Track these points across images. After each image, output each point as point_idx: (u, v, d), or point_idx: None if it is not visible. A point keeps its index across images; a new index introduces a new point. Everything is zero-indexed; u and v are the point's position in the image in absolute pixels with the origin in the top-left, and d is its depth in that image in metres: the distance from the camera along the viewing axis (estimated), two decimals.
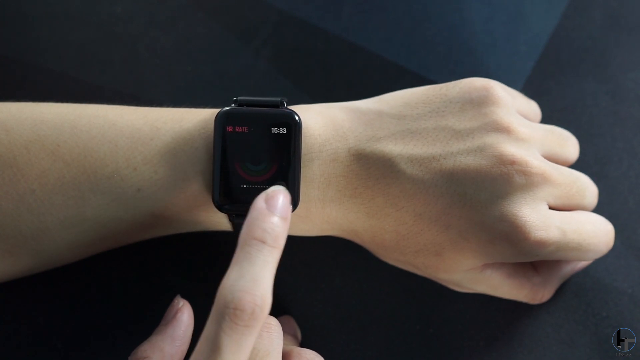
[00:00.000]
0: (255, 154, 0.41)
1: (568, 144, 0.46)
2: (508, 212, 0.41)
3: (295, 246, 0.49)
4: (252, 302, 0.34)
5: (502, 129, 0.42)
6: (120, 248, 0.47)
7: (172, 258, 0.49)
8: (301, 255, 0.49)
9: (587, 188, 0.45)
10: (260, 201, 0.37)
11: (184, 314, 0.40)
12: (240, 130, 0.41)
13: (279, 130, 0.41)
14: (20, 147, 0.41)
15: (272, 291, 0.48)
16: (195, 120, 0.42)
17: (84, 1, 0.54)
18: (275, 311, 0.48)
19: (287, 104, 0.43)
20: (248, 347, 0.34)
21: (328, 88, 0.53)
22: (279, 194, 0.38)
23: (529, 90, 0.52)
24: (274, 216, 0.37)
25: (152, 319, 0.46)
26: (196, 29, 0.54)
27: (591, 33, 0.54)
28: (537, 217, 0.41)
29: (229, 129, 0.41)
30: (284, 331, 0.46)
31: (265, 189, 0.40)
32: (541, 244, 0.41)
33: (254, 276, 0.35)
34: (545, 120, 0.49)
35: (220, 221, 0.44)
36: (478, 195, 0.41)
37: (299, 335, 0.48)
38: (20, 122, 0.41)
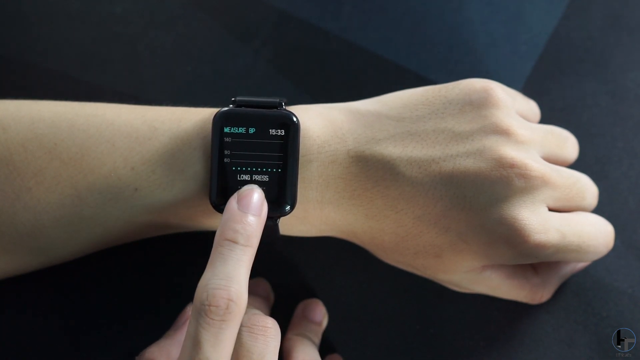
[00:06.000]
0: (253, 155, 0.41)
1: (567, 145, 0.46)
2: (507, 215, 0.40)
3: (295, 246, 0.49)
4: (226, 298, 0.36)
5: (501, 132, 0.42)
6: (121, 247, 0.47)
7: (172, 257, 0.49)
8: (301, 255, 0.49)
9: (587, 189, 0.45)
10: (232, 202, 0.39)
11: None
12: (238, 131, 0.41)
13: (277, 132, 0.41)
14: (17, 145, 0.41)
15: (273, 291, 0.48)
16: (193, 120, 0.42)
17: (84, 1, 0.54)
18: (276, 311, 0.48)
19: (287, 104, 0.43)
20: (228, 340, 0.36)
21: (328, 88, 0.53)
22: (251, 193, 0.39)
23: (528, 90, 0.52)
24: (246, 215, 0.38)
25: (153, 319, 0.47)
26: (196, 29, 0.54)
27: (591, 33, 0.54)
28: (537, 220, 0.41)
29: (227, 129, 0.41)
30: (256, 293, 0.47)
31: (263, 190, 0.40)
32: (541, 247, 0.41)
33: (227, 274, 0.36)
34: (545, 120, 0.49)
35: (218, 221, 0.44)
36: (477, 198, 0.41)
37: (272, 297, 0.48)
38: (18, 119, 0.41)
